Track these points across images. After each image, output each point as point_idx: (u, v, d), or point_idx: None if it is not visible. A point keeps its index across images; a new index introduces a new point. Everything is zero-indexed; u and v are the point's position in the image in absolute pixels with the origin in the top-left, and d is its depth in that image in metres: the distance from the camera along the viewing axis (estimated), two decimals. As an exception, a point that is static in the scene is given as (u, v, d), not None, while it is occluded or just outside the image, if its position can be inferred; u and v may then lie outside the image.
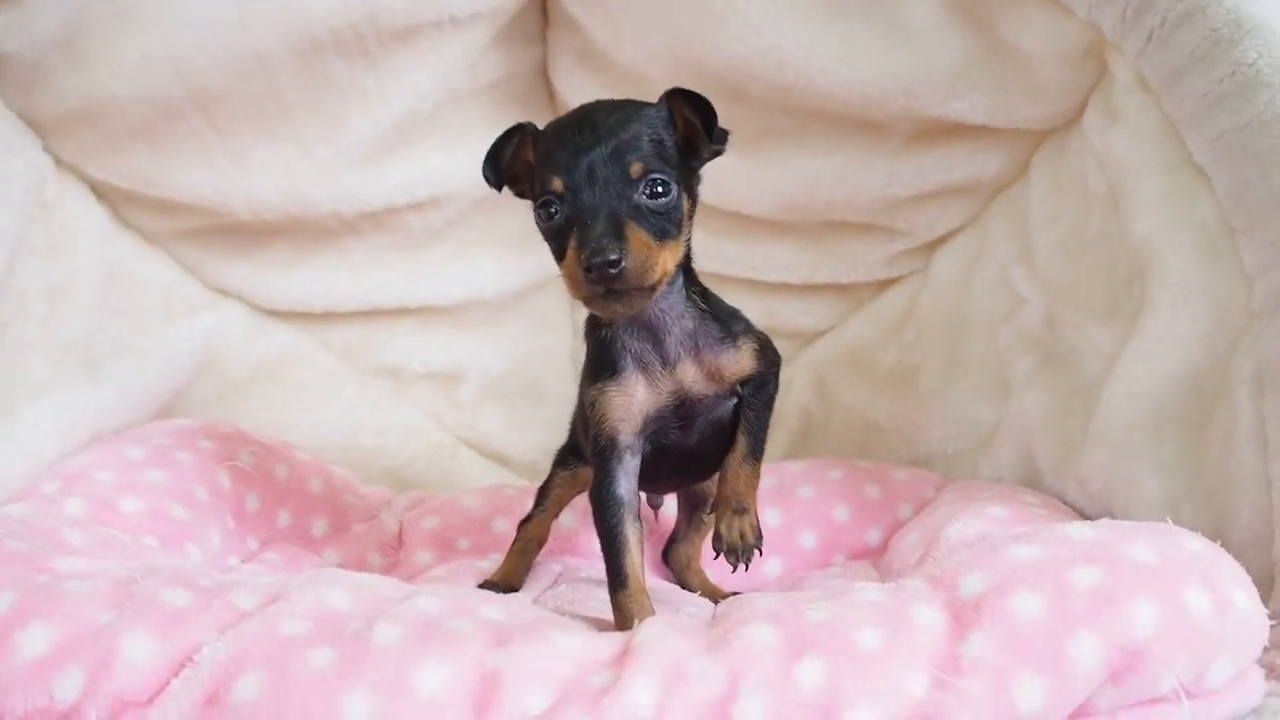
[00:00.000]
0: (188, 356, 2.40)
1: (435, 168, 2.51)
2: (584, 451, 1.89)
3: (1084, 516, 1.96)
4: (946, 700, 1.27)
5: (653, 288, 1.51)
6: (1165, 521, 1.75)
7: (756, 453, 1.70)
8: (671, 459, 1.72)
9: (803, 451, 2.57)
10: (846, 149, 2.36)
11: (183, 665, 1.33)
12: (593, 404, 1.67)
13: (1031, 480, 2.15)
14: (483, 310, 2.70)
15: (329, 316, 2.62)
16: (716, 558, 1.65)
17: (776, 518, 2.14)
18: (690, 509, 2.08)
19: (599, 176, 1.51)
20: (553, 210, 1.54)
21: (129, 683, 1.31)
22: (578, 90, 2.54)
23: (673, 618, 1.47)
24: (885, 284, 2.56)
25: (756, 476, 1.69)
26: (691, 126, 1.61)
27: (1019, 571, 1.38)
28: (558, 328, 2.79)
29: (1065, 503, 2.03)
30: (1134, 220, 1.94)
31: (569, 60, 2.55)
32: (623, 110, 1.59)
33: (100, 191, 2.34)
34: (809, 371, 2.62)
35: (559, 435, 2.28)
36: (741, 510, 1.65)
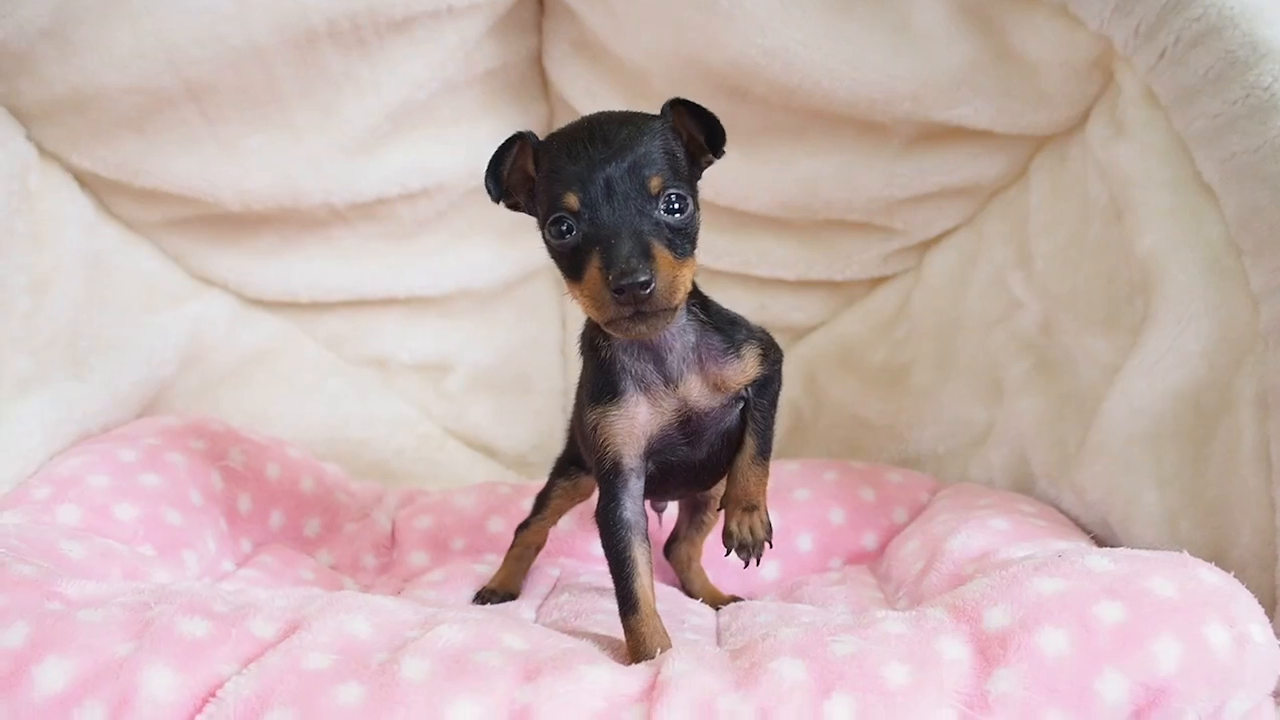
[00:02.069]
0: (172, 348, 2.36)
1: (428, 158, 2.46)
2: (584, 461, 1.86)
3: (1080, 525, 1.99)
4: (975, 738, 1.29)
5: (676, 308, 1.47)
6: (1164, 536, 1.82)
7: (765, 452, 1.68)
8: (680, 474, 1.70)
9: (792, 447, 2.57)
10: (847, 149, 2.35)
11: (205, 700, 1.30)
12: (594, 428, 1.62)
13: (1024, 484, 2.17)
14: (471, 300, 2.67)
15: (316, 306, 2.57)
16: (728, 554, 1.64)
17: (774, 520, 2.11)
18: (691, 509, 2.07)
19: (617, 193, 1.45)
20: (566, 228, 1.47)
21: (151, 719, 1.28)
22: (573, 80, 2.50)
23: (698, 649, 1.46)
24: (877, 281, 2.56)
25: (766, 475, 1.68)
26: (692, 137, 1.58)
27: (1043, 606, 1.39)
28: (546, 319, 2.76)
29: (1061, 510, 2.05)
30: (1139, 234, 1.94)
31: (565, 50, 2.51)
32: (633, 123, 1.53)
33: (84, 180, 2.28)
34: (799, 367, 2.62)
35: (546, 427, 2.28)
36: (751, 508, 1.65)
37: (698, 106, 1.55)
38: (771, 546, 1.66)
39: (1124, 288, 2.00)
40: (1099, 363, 2.04)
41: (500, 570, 2.03)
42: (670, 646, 1.53)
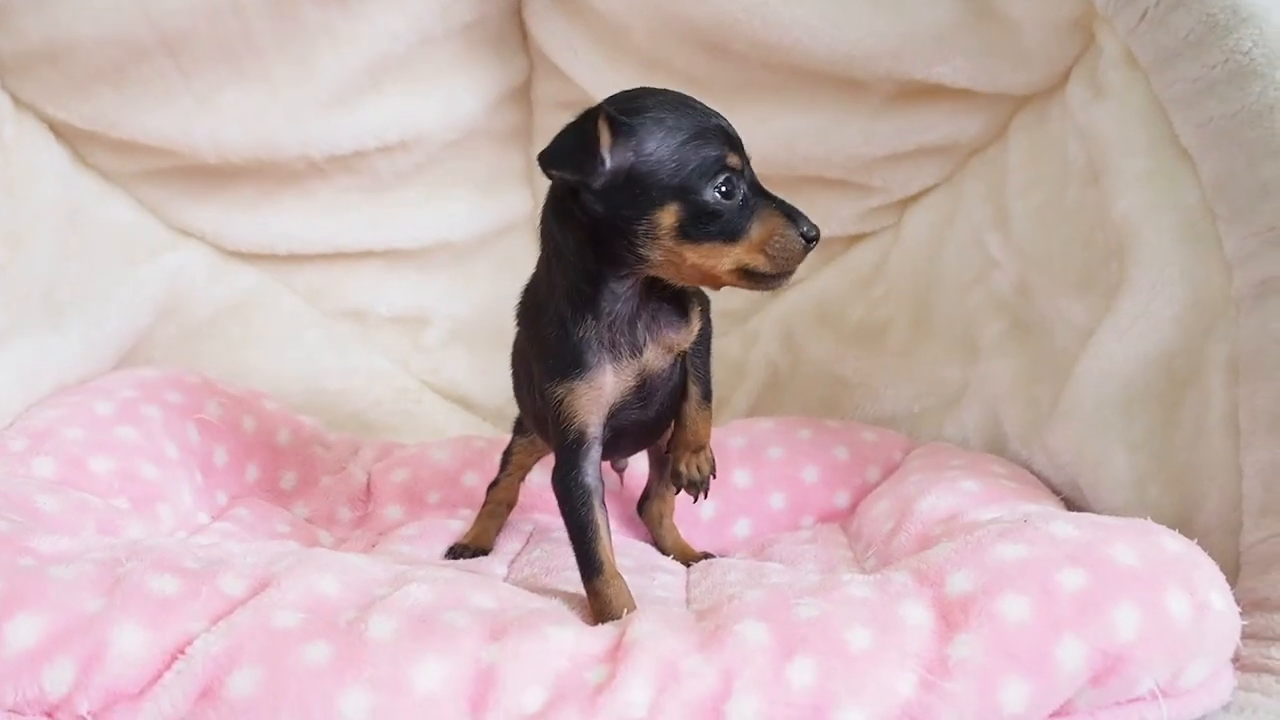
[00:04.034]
0: (150, 300, 2.35)
1: (406, 111, 2.46)
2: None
3: (1051, 487, 2.00)
4: (934, 702, 1.30)
5: None
6: (1133, 500, 1.83)
7: (708, 396, 1.74)
8: (631, 433, 1.75)
9: (768, 404, 2.58)
10: (826, 107, 2.33)
11: (174, 657, 1.31)
12: (560, 401, 1.62)
13: (997, 445, 2.18)
14: (449, 254, 2.67)
15: (293, 259, 2.57)
16: (677, 493, 1.78)
17: (746, 478, 2.15)
18: (660, 465, 2.09)
19: (747, 159, 1.55)
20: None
21: (120, 675, 1.29)
22: (552, 34, 2.48)
23: (664, 610, 1.48)
24: (856, 238, 2.55)
25: (710, 417, 1.75)
26: None
27: (1005, 572, 1.40)
28: (525, 273, 2.73)
29: (1032, 471, 2.06)
30: (1115, 197, 1.93)
31: (544, 3, 2.48)
32: None
33: (59, 131, 2.27)
34: (777, 324, 2.62)
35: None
36: (699, 449, 1.72)
37: None
38: (715, 478, 1.76)
39: (1100, 251, 2.00)
40: (1073, 325, 2.04)
41: (474, 526, 2.05)
42: (635, 607, 1.56)
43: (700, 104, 1.56)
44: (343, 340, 2.66)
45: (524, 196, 2.70)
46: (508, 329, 2.77)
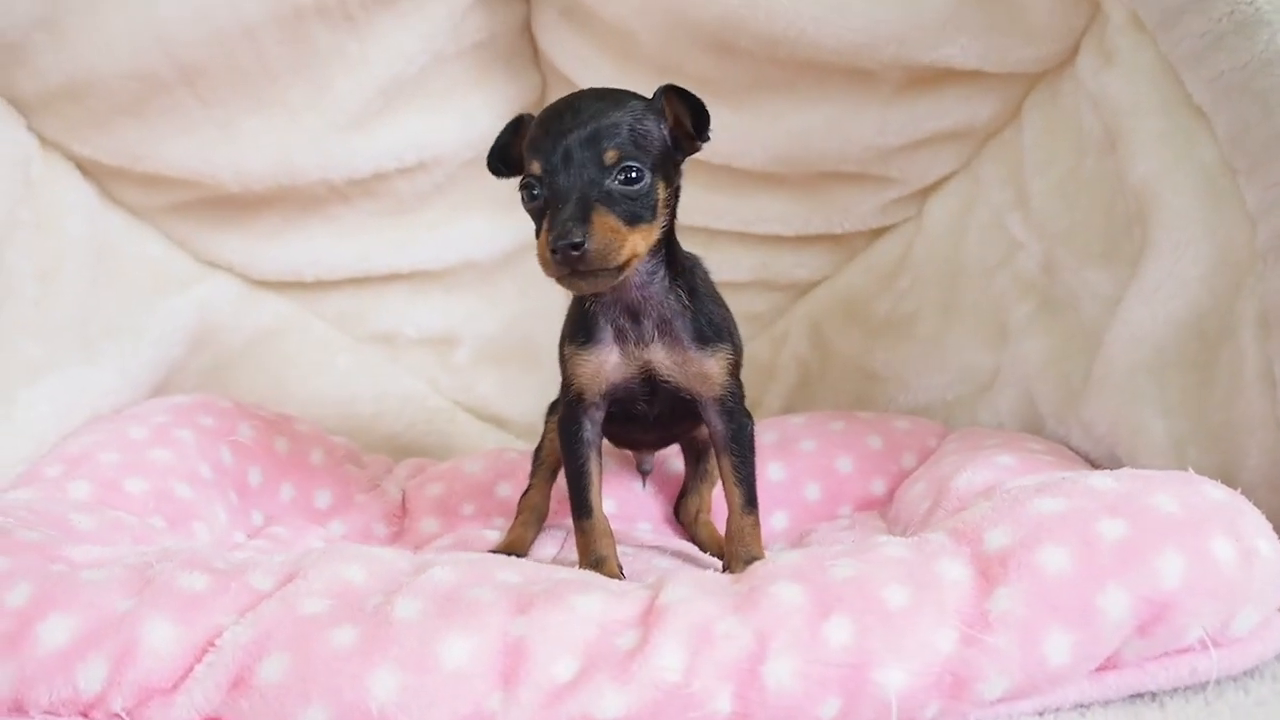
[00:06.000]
0: (181, 331, 2.38)
1: (423, 131, 2.48)
2: None
3: (1089, 461, 1.97)
4: (976, 656, 1.28)
5: (620, 268, 1.57)
6: (1172, 465, 1.79)
7: (752, 501, 1.78)
8: (639, 424, 1.86)
9: (801, 403, 2.57)
10: (837, 99, 2.33)
11: (205, 650, 1.32)
12: (566, 361, 1.80)
13: (1033, 425, 2.16)
14: (475, 273, 2.69)
15: (320, 285, 2.60)
16: None
17: (780, 472, 2.15)
18: (695, 461, 2.14)
19: (574, 161, 1.57)
20: (533, 192, 1.62)
21: (153, 670, 1.30)
22: (562, 47, 2.50)
23: (696, 574, 1.47)
24: (878, 232, 2.55)
25: (758, 524, 1.77)
26: (680, 121, 1.67)
27: (1044, 525, 1.38)
28: (550, 288, 2.71)
29: (1070, 447, 2.03)
30: (1132, 162, 1.92)
31: (553, 17, 2.50)
32: (610, 98, 1.65)
33: (86, 168, 2.31)
34: (804, 322, 2.62)
35: (555, 395, 2.30)
36: (750, 560, 1.69)
37: (687, 92, 1.65)
38: None
39: (1121, 219, 1.99)
40: (1100, 296, 2.02)
41: (509, 533, 2.05)
42: (611, 551, 1.76)
43: (583, 108, 1.61)
44: (373, 364, 2.68)
45: (546, 213, 2.71)
46: (536, 345, 2.81)
